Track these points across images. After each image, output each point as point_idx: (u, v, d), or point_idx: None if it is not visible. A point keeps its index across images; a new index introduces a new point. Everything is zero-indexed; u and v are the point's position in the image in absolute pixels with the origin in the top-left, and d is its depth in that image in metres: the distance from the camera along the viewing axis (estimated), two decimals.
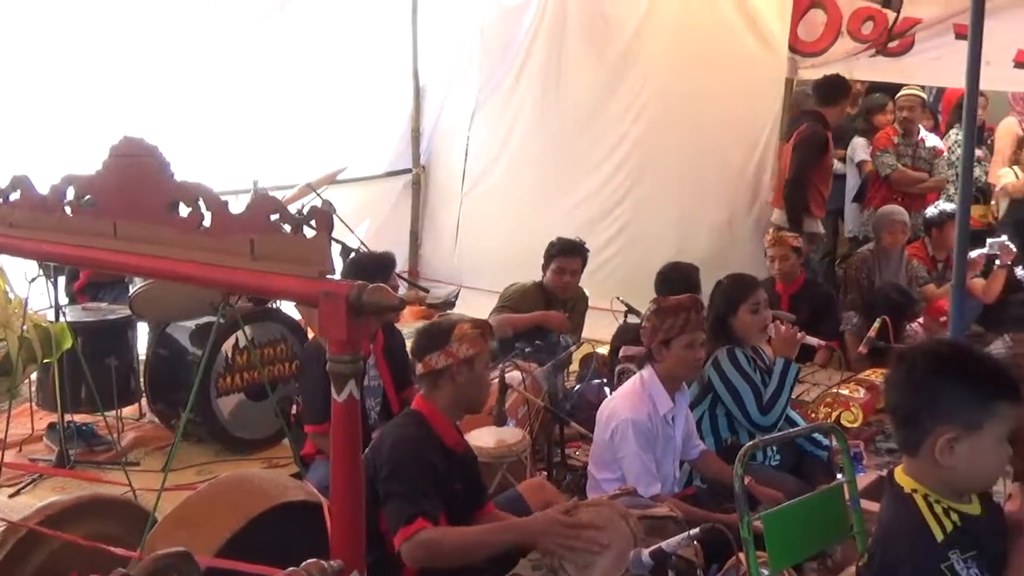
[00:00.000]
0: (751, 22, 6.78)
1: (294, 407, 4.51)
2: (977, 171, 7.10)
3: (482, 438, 3.87)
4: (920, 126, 7.24)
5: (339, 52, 7.48)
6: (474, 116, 7.97)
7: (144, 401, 5.41)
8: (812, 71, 6.75)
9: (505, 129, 7.81)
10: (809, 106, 6.73)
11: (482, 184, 7.97)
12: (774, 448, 4.12)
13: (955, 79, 5.69)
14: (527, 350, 5.07)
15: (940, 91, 8.51)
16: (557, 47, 7.47)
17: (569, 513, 2.93)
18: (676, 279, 5.15)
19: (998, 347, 4.77)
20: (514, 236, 7.31)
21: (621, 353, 5.01)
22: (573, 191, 7.42)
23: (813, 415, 4.96)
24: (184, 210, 1.99)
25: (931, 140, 7.26)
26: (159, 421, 5.37)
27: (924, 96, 7.28)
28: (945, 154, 7.29)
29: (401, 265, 7.75)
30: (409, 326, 6.95)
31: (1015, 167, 7.36)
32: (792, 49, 6.65)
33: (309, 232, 1.84)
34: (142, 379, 5.29)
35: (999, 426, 1.95)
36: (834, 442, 3.94)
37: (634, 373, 4.62)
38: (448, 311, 7.74)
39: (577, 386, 5.18)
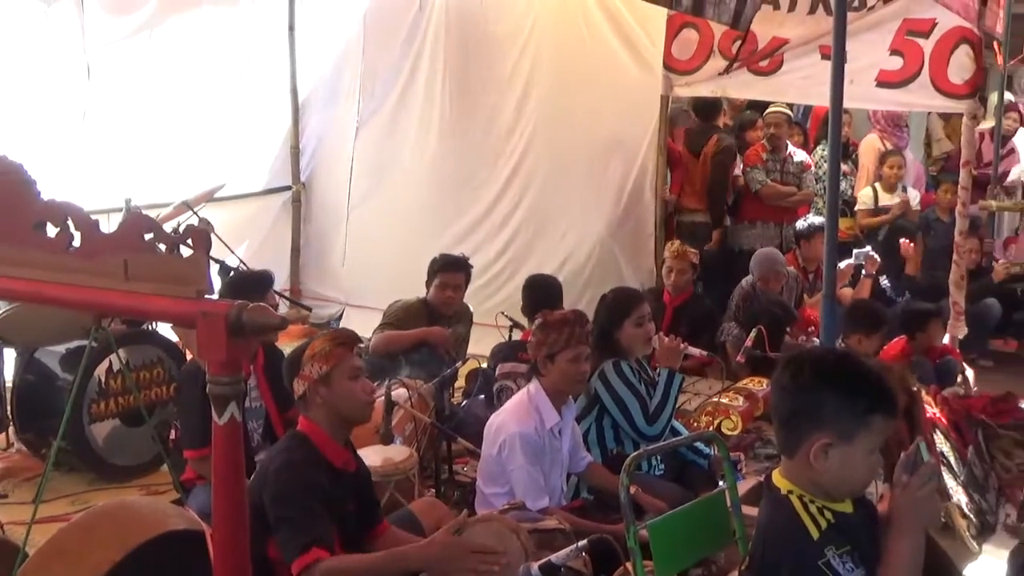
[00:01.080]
0: (627, 42, 6.94)
1: (172, 432, 4.38)
2: (843, 185, 7.40)
3: (369, 457, 3.82)
4: (788, 142, 7.51)
5: (215, 68, 7.30)
6: (359, 132, 7.90)
7: (11, 430, 5.17)
8: (687, 89, 6.94)
9: (391, 146, 7.77)
10: (689, 122, 6.98)
11: (369, 201, 7.89)
12: (658, 458, 4.20)
13: (822, 97, 5.93)
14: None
15: (808, 108, 8.86)
16: (442, 65, 7.48)
17: (459, 529, 2.91)
18: (539, 288, 5.39)
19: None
20: (401, 253, 7.26)
21: (498, 371, 5.03)
22: (461, 208, 7.44)
23: (695, 424, 5.07)
24: (52, 230, 1.91)
25: (799, 155, 7.52)
26: (28, 450, 5.13)
27: (790, 113, 7.55)
28: (812, 168, 7.57)
29: (282, 283, 7.63)
30: (291, 346, 6.84)
31: (876, 183, 7.71)
32: (667, 67, 6.82)
33: (186, 251, 1.79)
34: (9, 407, 5.04)
35: (872, 438, 2.04)
36: (715, 450, 4.04)
37: (512, 391, 4.67)
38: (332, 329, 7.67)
39: (464, 402, 5.18)
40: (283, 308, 6.92)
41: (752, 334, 5.59)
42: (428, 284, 5.57)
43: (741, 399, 5.29)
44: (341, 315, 7.90)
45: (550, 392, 3.73)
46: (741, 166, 7.50)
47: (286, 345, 4.66)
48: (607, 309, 4.33)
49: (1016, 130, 8.58)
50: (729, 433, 4.97)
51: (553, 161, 7.16)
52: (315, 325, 7.61)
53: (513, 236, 7.24)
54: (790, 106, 8.36)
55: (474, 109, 7.42)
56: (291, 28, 7.94)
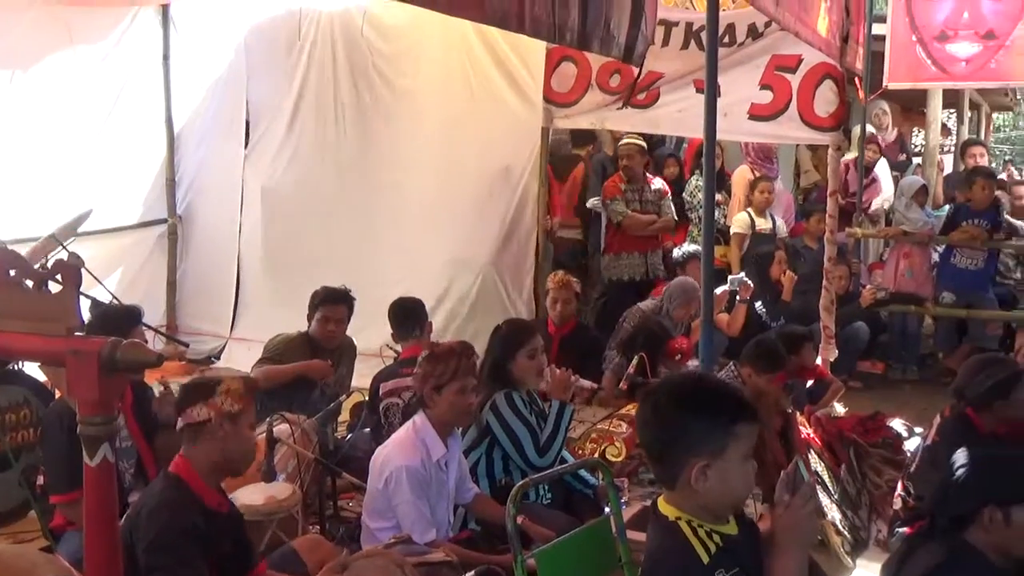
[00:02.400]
0: (508, 75, 7.04)
1: (41, 476, 4.18)
2: (717, 214, 7.62)
3: (251, 495, 3.73)
4: (643, 171, 7.67)
5: (86, 100, 7.06)
6: (245, 164, 7.75)
7: None
8: (567, 121, 7.06)
9: (281, 176, 7.64)
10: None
11: (257, 232, 7.72)
12: (546, 487, 4.21)
13: (696, 130, 6.10)
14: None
15: (682, 140, 9.12)
16: (331, 96, 7.44)
17: (344, 566, 2.85)
18: (404, 309, 5.35)
19: (726, 374, 5.15)
20: (291, 285, 7.10)
21: (382, 391, 4.99)
22: (353, 238, 7.34)
23: (580, 451, 5.11)
24: None
25: (656, 183, 7.69)
26: None
27: (642, 143, 7.64)
28: (685, 196, 7.74)
29: (158, 319, 7.38)
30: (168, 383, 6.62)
31: (749, 209, 7.97)
32: (547, 100, 6.93)
33: (55, 287, 1.72)
34: None
35: (741, 445, 2.10)
36: (601, 477, 4.08)
37: (399, 405, 4.63)
38: (212, 365, 7.48)
39: (348, 436, 5.10)
40: (158, 344, 6.72)
41: (634, 361, 5.67)
42: (310, 317, 5.48)
43: (624, 425, 5.35)
44: (222, 350, 7.70)
45: (436, 424, 3.71)
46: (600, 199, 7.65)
47: (157, 384, 4.53)
48: (501, 340, 4.33)
49: (876, 161, 9.01)
50: (613, 459, 5.03)
51: (438, 191, 7.19)
52: (193, 361, 7.40)
53: (400, 266, 7.19)
54: (664, 138, 8.61)
55: (365, 139, 7.39)
56: (165, 58, 7.76)
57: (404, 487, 3.55)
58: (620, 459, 5.10)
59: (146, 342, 5.14)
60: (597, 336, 6.53)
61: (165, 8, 7.66)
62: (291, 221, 7.59)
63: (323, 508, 4.26)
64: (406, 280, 6.85)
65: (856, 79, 7.20)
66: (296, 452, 4.21)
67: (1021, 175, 12.85)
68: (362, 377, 5.76)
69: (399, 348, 5.48)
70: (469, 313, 7.02)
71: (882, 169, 9.16)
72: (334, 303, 5.45)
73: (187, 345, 7.26)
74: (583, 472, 4.37)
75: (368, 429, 5.01)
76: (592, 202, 8.16)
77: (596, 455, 5.01)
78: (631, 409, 5.64)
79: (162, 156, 7.90)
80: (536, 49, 6.63)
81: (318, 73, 7.47)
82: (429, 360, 3.74)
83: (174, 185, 7.97)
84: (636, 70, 6.54)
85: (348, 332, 5.62)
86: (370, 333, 5.98)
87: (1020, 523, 2.77)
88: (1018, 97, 14.69)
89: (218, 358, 7.62)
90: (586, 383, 4.98)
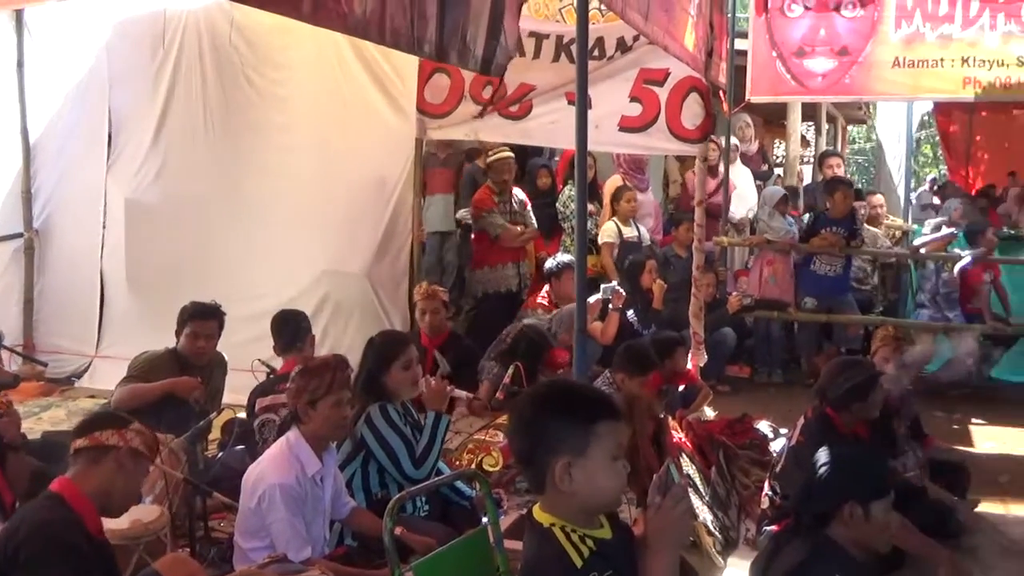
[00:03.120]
0: (381, 86, 7.00)
1: None
2: (589, 224, 7.73)
3: (115, 519, 3.59)
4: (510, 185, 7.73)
5: None
6: (109, 174, 7.46)
7: None
8: (440, 132, 7.07)
9: (148, 188, 7.36)
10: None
11: (120, 247, 7.43)
12: (423, 498, 4.19)
13: (569, 141, 6.19)
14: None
15: (554, 151, 9.24)
16: (200, 106, 7.22)
17: None
18: (288, 322, 5.34)
19: (601, 381, 5.24)
20: (162, 300, 6.82)
21: (258, 406, 4.89)
22: (226, 250, 7.15)
23: (457, 462, 5.11)
24: None
25: (518, 194, 7.76)
26: None
27: (511, 155, 7.74)
28: (529, 206, 7.79)
29: (13, 338, 7.02)
30: (26, 404, 6.33)
31: (614, 218, 8.12)
32: (420, 111, 6.92)
33: None
34: None
35: (605, 445, 2.12)
36: (478, 487, 4.09)
37: (275, 422, 4.54)
38: (74, 385, 7.19)
39: (219, 454, 4.97)
40: (14, 364, 6.42)
41: (510, 371, 5.70)
42: (178, 333, 5.32)
43: (501, 435, 5.38)
44: (87, 369, 7.38)
45: (311, 439, 3.65)
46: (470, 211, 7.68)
47: (22, 406, 4.32)
48: (375, 353, 4.29)
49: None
50: (491, 469, 5.05)
51: (312, 201, 7.07)
52: (53, 381, 7.10)
53: (276, 278, 7.04)
54: (537, 148, 8.71)
55: (236, 148, 7.20)
56: (20, 64, 7.42)
57: (278, 505, 3.48)
58: (497, 469, 5.12)
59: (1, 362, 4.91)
60: (471, 346, 6.54)
61: (19, 13, 7.32)
62: (158, 234, 7.34)
63: (193, 530, 4.13)
64: (279, 293, 6.74)
65: (721, 92, 7.44)
66: (164, 473, 4.07)
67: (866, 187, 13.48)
68: (234, 393, 5.62)
69: (272, 363, 5.38)
70: (344, 325, 6.93)
71: (745, 179, 9.46)
72: (203, 318, 5.31)
73: (46, 364, 6.95)
74: (460, 483, 4.37)
75: (240, 447, 4.89)
76: (461, 213, 8.19)
77: (473, 466, 5.02)
78: (507, 419, 5.66)
79: (17, 168, 7.53)
80: (409, 60, 6.61)
81: (185, 80, 7.25)
82: (303, 374, 3.69)
83: (30, 198, 7.59)
84: (506, 82, 6.69)
85: (219, 347, 5.48)
86: (242, 348, 5.84)
87: (878, 518, 2.91)
88: (871, 110, 15.40)
89: (80, 377, 7.31)
90: (461, 393, 4.99)
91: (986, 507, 5.13)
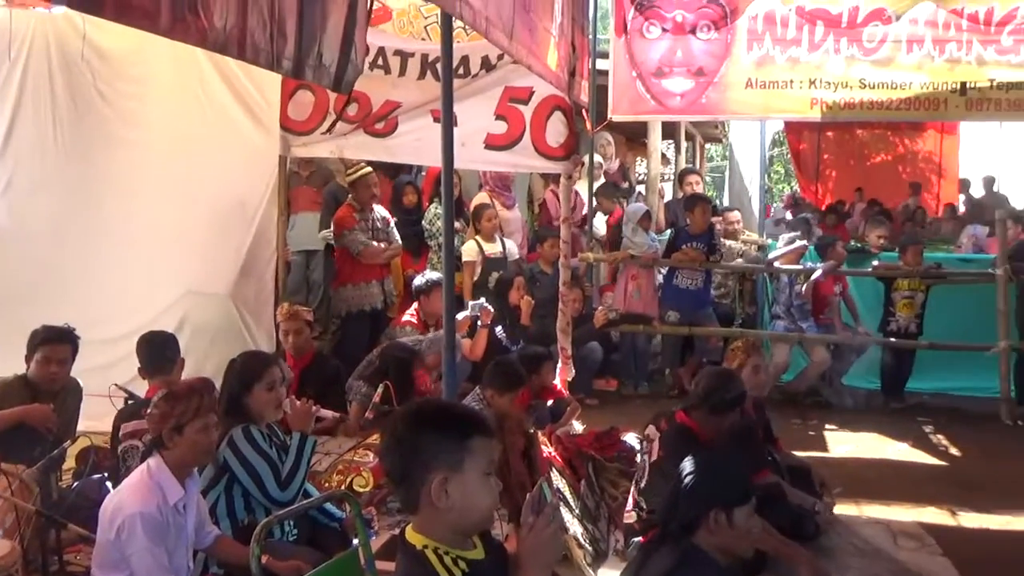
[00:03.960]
0: (243, 102, 6.86)
1: None
2: (457, 241, 7.76)
3: None
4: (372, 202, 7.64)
5: None
6: None
7: None
8: (304, 149, 6.98)
9: None
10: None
11: None
12: (291, 523, 4.11)
13: (435, 159, 6.20)
14: None
15: (420, 168, 9.23)
16: (51, 124, 6.88)
17: None
18: (156, 344, 5.16)
19: (471, 398, 5.26)
20: (3, 325, 6.49)
21: (122, 431, 4.70)
22: (71, 274, 6.82)
23: (326, 484, 5.03)
24: None
25: (380, 211, 7.67)
26: None
27: (371, 171, 7.67)
28: (392, 223, 7.75)
29: None
30: None
31: (477, 237, 8.17)
32: (284, 128, 6.82)
33: None
34: None
35: (479, 460, 2.14)
36: (348, 509, 4.03)
37: (139, 448, 4.37)
38: None
39: (75, 484, 4.75)
40: None
41: (379, 389, 5.66)
42: (28, 359, 5.07)
43: (371, 455, 5.32)
44: None
45: (174, 466, 3.53)
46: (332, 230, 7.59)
47: None
48: (237, 374, 4.19)
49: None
50: (361, 490, 4.98)
51: (172, 219, 6.84)
52: None
53: (135, 300, 6.77)
54: (403, 165, 8.67)
55: (90, 166, 6.89)
56: None
57: (139, 535, 3.35)
58: (368, 489, 5.06)
59: None
60: (337, 365, 6.45)
61: None
62: (5, 253, 6.98)
63: (47, 564, 3.93)
64: (136, 315, 6.51)
65: (583, 111, 7.58)
66: (15, 505, 3.87)
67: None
68: (90, 420, 5.38)
69: (130, 388, 5.18)
70: (208, 347, 6.73)
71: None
72: (56, 342, 5.07)
73: None
74: (330, 505, 4.30)
75: (97, 476, 4.69)
76: (323, 234, 8.09)
77: (343, 487, 4.94)
78: (378, 438, 5.62)
79: None
80: (272, 76, 6.49)
81: (33, 94, 6.90)
82: (168, 399, 3.57)
83: None
84: (371, 99, 6.67)
85: (73, 372, 5.24)
86: (99, 373, 5.61)
87: (741, 524, 3.00)
88: (726, 129, 15.99)
89: None
90: (327, 413, 4.92)
91: (841, 509, 5.36)
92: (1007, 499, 5.75)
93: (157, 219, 6.87)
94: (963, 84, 8.64)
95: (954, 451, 6.97)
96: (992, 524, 5.41)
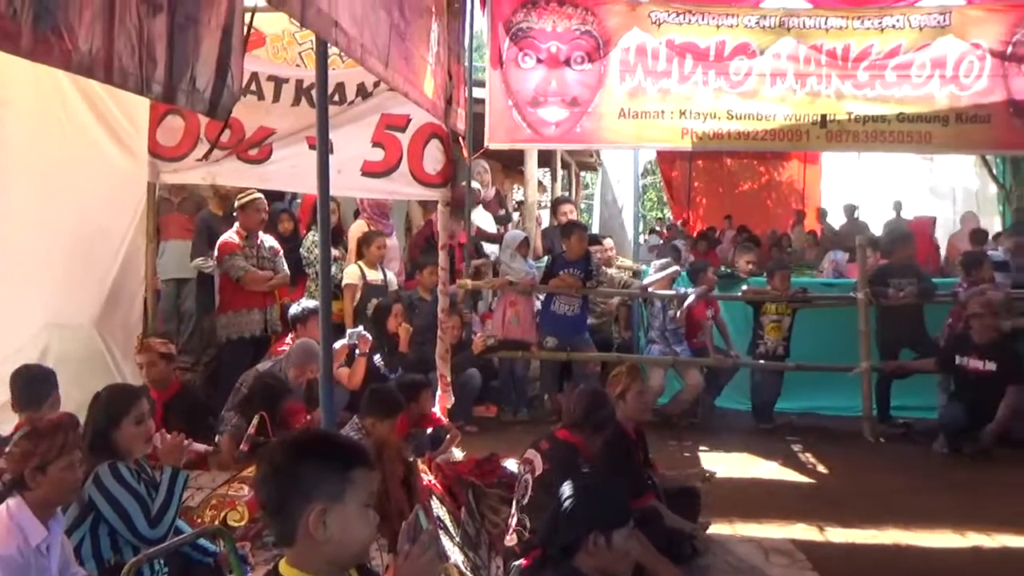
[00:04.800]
0: (108, 126, 6.64)
1: None
2: (334, 269, 7.68)
3: None
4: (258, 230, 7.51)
5: None
6: None
7: None
8: (175, 175, 6.81)
9: None
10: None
11: None
12: (162, 561, 3.96)
13: (311, 186, 6.13)
14: None
15: (295, 195, 9.12)
16: None
17: None
18: (32, 379, 5.01)
19: (350, 427, 5.20)
20: None
21: None
22: None
23: (199, 520, 4.87)
24: None
25: (268, 240, 7.58)
26: None
27: (261, 195, 7.57)
28: (281, 254, 7.64)
29: None
30: None
31: (359, 262, 8.12)
32: (152, 154, 6.64)
33: None
34: None
35: (359, 491, 2.12)
36: (222, 544, 3.92)
37: None
38: None
39: None
40: None
41: (254, 421, 5.53)
42: None
43: (246, 489, 5.19)
44: None
45: (36, 506, 3.36)
46: (215, 254, 7.46)
47: None
48: (103, 408, 4.03)
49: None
50: (236, 525, 4.84)
51: (35, 248, 6.53)
52: None
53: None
54: (278, 193, 8.55)
55: None
56: None
57: None
58: (243, 523, 4.93)
59: None
60: (202, 397, 6.28)
61: None
62: None
63: None
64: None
65: (460, 139, 7.63)
66: None
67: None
68: None
69: None
70: (72, 380, 6.41)
71: (486, 223, 9.73)
72: None
73: None
74: (203, 541, 4.17)
75: None
76: (196, 262, 7.89)
77: (216, 522, 4.80)
78: (252, 471, 5.48)
79: None
80: (140, 100, 6.33)
81: None
82: (31, 437, 3.40)
83: None
84: (244, 125, 6.56)
85: None
86: None
87: (619, 546, 3.05)
88: (600, 159, 16.29)
89: None
90: (199, 447, 4.78)
91: (715, 529, 5.49)
92: (871, 513, 5.99)
93: (16, 247, 6.55)
94: (823, 116, 9.05)
95: (821, 469, 7.22)
96: (858, 538, 5.62)
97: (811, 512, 6.02)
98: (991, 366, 7.48)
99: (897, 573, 5.17)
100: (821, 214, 16.59)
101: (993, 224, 13.69)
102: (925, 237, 12.96)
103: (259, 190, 7.49)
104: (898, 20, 8.94)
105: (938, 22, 8.89)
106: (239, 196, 7.39)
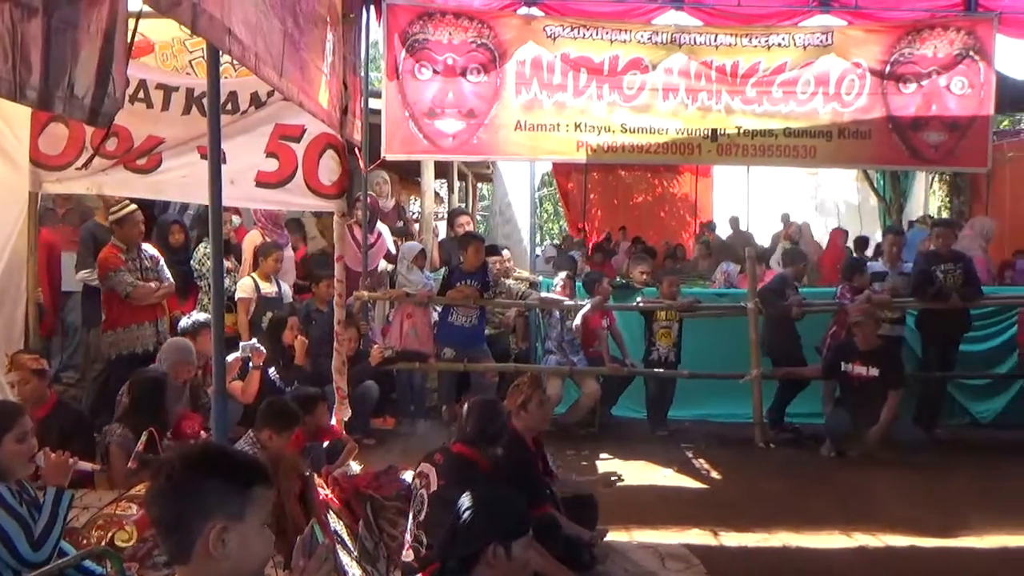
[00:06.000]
0: None
1: None
2: (228, 281, 7.51)
3: None
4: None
5: None
6: None
7: None
8: (58, 185, 6.57)
9: None
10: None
11: None
12: None
13: (202, 196, 5.97)
14: None
15: (186, 206, 8.91)
16: None
17: None
18: None
19: (244, 442, 5.11)
20: None
21: None
22: None
23: (85, 541, 4.70)
24: None
25: (149, 249, 7.25)
26: None
27: (136, 208, 7.30)
28: (162, 261, 7.38)
29: None
30: None
31: (253, 274, 7.98)
32: (35, 163, 6.40)
33: None
34: None
35: (258, 510, 2.08)
36: (109, 566, 3.80)
37: None
38: None
39: None
40: None
41: (144, 437, 5.37)
42: None
43: (135, 508, 5.02)
44: None
45: None
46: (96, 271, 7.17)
47: None
48: None
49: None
50: (124, 545, 4.68)
51: None
52: None
53: None
54: (168, 203, 8.35)
55: None
56: None
57: None
58: (131, 544, 4.77)
59: None
60: (80, 412, 6.03)
61: None
62: None
63: None
64: None
65: (357, 149, 7.57)
66: None
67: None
68: None
69: None
70: None
71: (384, 235, 9.67)
72: None
73: None
74: (89, 563, 4.03)
75: None
76: (82, 275, 7.61)
77: (103, 543, 4.64)
78: (141, 489, 5.32)
79: None
80: (21, 108, 6.08)
81: None
82: None
83: None
84: (132, 133, 6.37)
85: None
86: None
87: (518, 556, 3.06)
88: (497, 170, 16.34)
89: None
90: (87, 465, 4.60)
91: (612, 536, 5.55)
92: (763, 517, 6.15)
93: None
94: (714, 131, 9.30)
95: (715, 474, 7.38)
96: (750, 542, 5.76)
97: (705, 517, 6.14)
98: (874, 372, 7.77)
99: (787, 574, 5.32)
100: (709, 226, 16.98)
101: (875, 237, 14.21)
102: (836, 248, 13.43)
103: (149, 200, 7.30)
104: (783, 39, 9.25)
105: (821, 41, 9.24)
106: (112, 210, 7.08)
